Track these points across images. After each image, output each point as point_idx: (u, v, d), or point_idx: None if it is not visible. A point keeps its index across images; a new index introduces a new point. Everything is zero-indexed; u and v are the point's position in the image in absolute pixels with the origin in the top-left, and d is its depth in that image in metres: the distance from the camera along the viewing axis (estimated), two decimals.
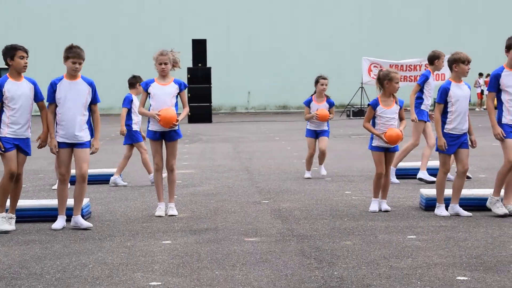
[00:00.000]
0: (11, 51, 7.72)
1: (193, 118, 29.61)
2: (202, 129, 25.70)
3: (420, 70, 30.67)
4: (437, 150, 8.41)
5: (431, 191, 8.84)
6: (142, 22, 40.03)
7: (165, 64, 8.55)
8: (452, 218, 8.14)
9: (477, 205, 8.54)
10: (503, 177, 8.11)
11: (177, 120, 8.48)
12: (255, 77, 40.42)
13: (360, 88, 32.27)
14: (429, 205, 8.60)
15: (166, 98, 8.53)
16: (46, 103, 7.92)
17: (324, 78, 11.85)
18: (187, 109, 8.72)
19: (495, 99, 8.25)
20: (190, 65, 30.25)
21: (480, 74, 37.48)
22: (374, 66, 31.26)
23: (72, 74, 7.89)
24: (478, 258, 6.28)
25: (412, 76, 30.61)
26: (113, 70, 38.00)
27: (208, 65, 30.46)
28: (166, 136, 8.60)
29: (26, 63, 7.76)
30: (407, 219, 8.13)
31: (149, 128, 8.65)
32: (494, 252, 6.46)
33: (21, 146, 7.75)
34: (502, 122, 8.16)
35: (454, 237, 7.12)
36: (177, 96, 8.62)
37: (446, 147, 8.21)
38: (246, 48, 40.36)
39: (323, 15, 40.33)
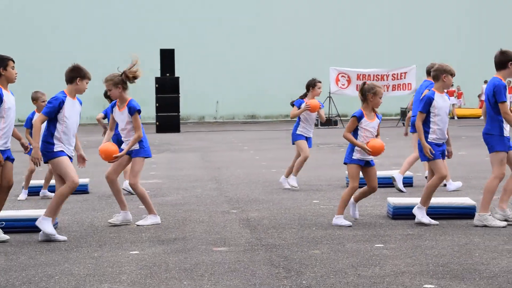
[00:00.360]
0: (5, 61, 7.65)
1: (161, 127, 29.52)
2: (170, 138, 25.62)
3: (387, 80, 31.00)
4: (423, 160, 8.50)
5: (398, 200, 8.91)
6: (109, 32, 39.84)
7: (109, 90, 8.52)
8: (419, 226, 8.20)
9: (443, 213, 8.62)
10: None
11: (116, 157, 8.43)
12: (223, 87, 40.42)
13: (328, 98, 32.43)
14: (396, 213, 8.66)
15: (121, 123, 8.57)
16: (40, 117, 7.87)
17: (320, 82, 11.88)
18: (136, 136, 8.48)
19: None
20: (158, 75, 30.17)
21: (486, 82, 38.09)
22: (342, 76, 31.51)
23: (79, 94, 8.00)
24: (445, 266, 6.33)
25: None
26: None
27: (176, 75, 30.40)
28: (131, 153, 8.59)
29: (17, 73, 7.74)
30: (374, 228, 8.17)
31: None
32: (460, 260, 6.52)
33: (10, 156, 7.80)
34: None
35: (421, 246, 7.17)
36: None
37: (433, 152, 8.30)
38: (214, 57, 40.36)
39: (290, 24, 40.49)
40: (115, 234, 8.05)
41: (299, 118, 11.70)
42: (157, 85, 29.99)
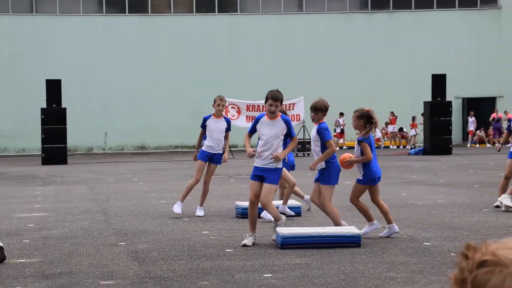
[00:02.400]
0: None
1: (47, 159, 28.81)
2: (56, 170, 25.03)
3: None
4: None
5: (286, 230, 9.02)
6: None
7: None
8: (307, 255, 8.33)
9: (330, 242, 8.78)
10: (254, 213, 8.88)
11: None
12: (112, 117, 39.97)
13: None
14: (284, 243, 8.76)
15: None
16: None
17: (219, 97, 12.14)
18: None
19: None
20: (44, 106, 29.52)
21: (341, 114, 39.02)
22: (232, 107, 31.72)
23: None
24: None
25: None
26: None
27: (63, 106, 29.80)
28: None
29: None
30: (263, 258, 8.23)
31: None
32: None
33: None
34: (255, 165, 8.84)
35: (308, 275, 7.28)
36: None
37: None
38: (102, 88, 39.89)
39: (179, 56, 40.59)
40: None
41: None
42: (42, 116, 29.30)
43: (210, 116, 11.96)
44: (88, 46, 39.92)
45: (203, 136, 11.99)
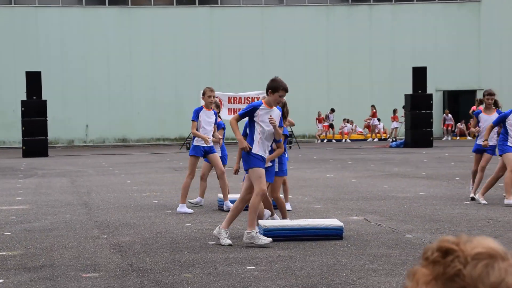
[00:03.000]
0: None
1: (28, 152, 28.63)
2: (37, 163, 24.89)
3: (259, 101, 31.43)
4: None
5: (268, 222, 9.04)
6: None
7: None
8: (290, 248, 8.35)
9: (313, 235, 8.81)
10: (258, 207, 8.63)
11: None
12: (93, 110, 39.79)
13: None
14: (267, 235, 8.76)
15: None
16: None
17: (209, 88, 12.03)
18: None
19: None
20: (24, 98, 29.33)
21: (332, 110, 39.45)
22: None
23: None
24: (314, 286, 6.47)
25: None
26: None
27: (43, 98, 29.62)
28: None
29: None
30: (246, 250, 8.24)
31: None
32: (328, 280, 6.69)
33: None
34: (253, 151, 8.57)
35: (291, 267, 7.30)
36: None
37: None
38: (83, 80, 39.68)
39: (159, 48, 40.44)
40: None
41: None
42: (23, 109, 29.11)
43: (201, 108, 11.83)
44: (67, 38, 39.66)
45: (196, 128, 11.67)
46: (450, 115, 40.60)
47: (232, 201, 11.16)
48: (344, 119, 39.77)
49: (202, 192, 12.22)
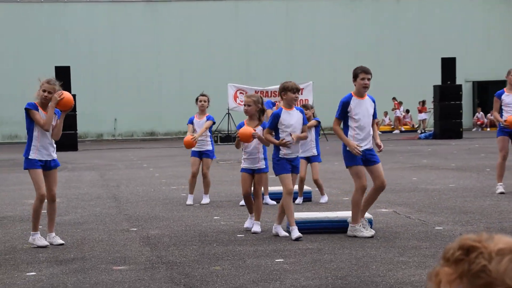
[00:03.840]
0: None
1: (58, 146, 28.80)
2: (67, 157, 25.10)
3: None
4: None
5: (298, 215, 9.02)
6: (0, 49, 38.79)
7: (49, 93, 8.52)
8: (319, 240, 8.34)
9: (341, 227, 8.78)
10: (359, 202, 8.45)
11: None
12: (122, 104, 40.00)
13: (227, 114, 32.58)
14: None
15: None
16: None
17: (203, 95, 12.08)
18: None
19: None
20: None
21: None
22: (240, 93, 31.70)
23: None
24: (343, 279, 6.45)
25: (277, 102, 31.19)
26: None
27: (72, 92, 29.83)
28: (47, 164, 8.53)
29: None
30: (275, 243, 8.24)
31: (30, 157, 8.49)
32: (358, 273, 6.67)
33: None
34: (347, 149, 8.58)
35: (320, 259, 7.29)
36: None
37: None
38: (111, 74, 39.91)
39: (188, 42, 40.52)
40: (11, 255, 7.81)
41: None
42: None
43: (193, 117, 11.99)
44: (95, 33, 39.89)
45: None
46: (482, 113, 40.27)
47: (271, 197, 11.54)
48: None
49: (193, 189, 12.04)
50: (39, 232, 8.42)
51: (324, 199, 11.76)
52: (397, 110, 39.66)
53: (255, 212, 9.02)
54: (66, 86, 29.64)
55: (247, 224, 9.16)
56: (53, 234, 8.41)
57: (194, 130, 11.78)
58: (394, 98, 39.76)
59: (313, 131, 11.66)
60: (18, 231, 9.53)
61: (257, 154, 9.13)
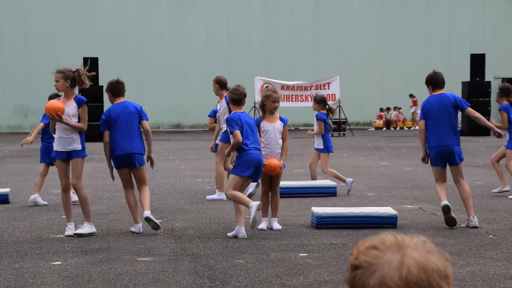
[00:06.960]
0: None
1: (84, 137, 29.02)
2: (94, 148, 25.21)
3: (310, 90, 31.36)
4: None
5: (322, 209, 9.00)
6: (31, 41, 39.11)
7: (57, 81, 8.58)
8: (343, 235, 8.31)
9: (366, 223, 8.75)
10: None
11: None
12: (148, 96, 40.15)
13: (253, 108, 32.58)
14: (320, 223, 8.75)
15: (66, 117, 8.65)
16: None
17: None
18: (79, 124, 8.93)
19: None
20: None
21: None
22: (267, 86, 31.66)
23: None
24: None
25: (303, 96, 31.28)
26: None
27: (100, 84, 30.02)
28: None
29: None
30: (299, 237, 8.23)
31: (55, 149, 8.59)
32: None
33: None
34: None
35: (344, 255, 7.26)
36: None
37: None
38: (138, 67, 40.07)
39: (214, 35, 40.57)
40: (37, 245, 7.88)
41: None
42: (80, 94, 29.51)
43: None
44: (122, 26, 40.06)
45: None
46: None
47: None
48: (395, 108, 39.38)
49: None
50: (72, 222, 8.51)
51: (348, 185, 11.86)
52: (414, 107, 39.39)
53: (272, 209, 8.92)
54: (94, 78, 29.84)
55: (261, 226, 8.86)
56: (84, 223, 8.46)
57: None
58: (411, 95, 39.42)
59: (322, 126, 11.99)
60: (44, 220, 9.62)
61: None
